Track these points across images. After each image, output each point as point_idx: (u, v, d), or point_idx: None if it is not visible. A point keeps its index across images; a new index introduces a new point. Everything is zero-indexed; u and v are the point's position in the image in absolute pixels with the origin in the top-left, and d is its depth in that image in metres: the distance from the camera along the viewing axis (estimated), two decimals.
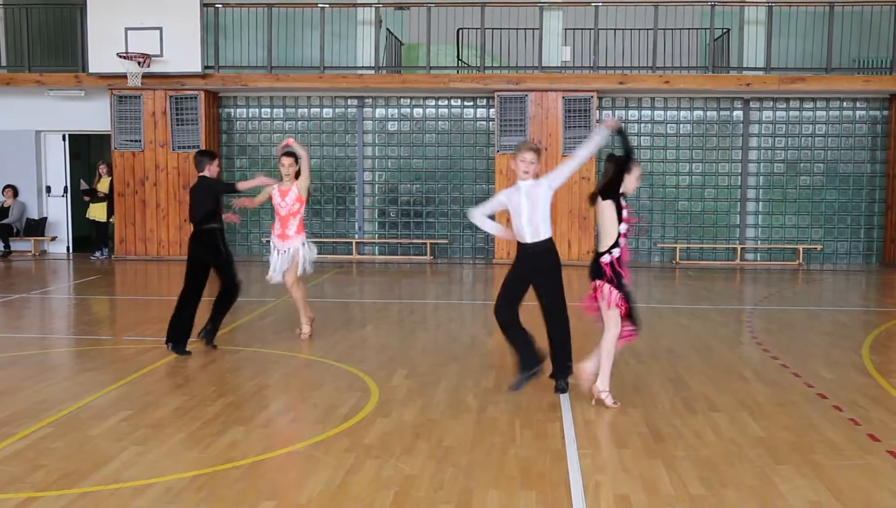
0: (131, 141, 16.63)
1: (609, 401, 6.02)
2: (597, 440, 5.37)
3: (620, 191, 5.92)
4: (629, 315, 6.00)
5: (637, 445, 5.25)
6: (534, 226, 6.14)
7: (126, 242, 16.78)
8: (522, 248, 6.22)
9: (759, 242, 16.97)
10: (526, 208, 6.13)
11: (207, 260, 7.95)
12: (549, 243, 6.24)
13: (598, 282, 5.96)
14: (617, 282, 5.89)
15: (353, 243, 17.23)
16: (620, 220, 5.87)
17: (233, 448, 5.15)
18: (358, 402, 6.21)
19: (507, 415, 5.85)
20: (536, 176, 6.25)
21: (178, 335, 7.90)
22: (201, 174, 7.89)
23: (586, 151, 6.14)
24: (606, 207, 5.90)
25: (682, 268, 16.06)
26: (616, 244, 5.89)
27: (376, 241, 17.47)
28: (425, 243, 16.97)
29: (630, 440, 5.35)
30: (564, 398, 6.30)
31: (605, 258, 5.93)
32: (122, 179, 16.68)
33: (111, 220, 16.94)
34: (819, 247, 16.69)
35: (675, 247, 16.72)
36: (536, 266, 6.21)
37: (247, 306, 10.52)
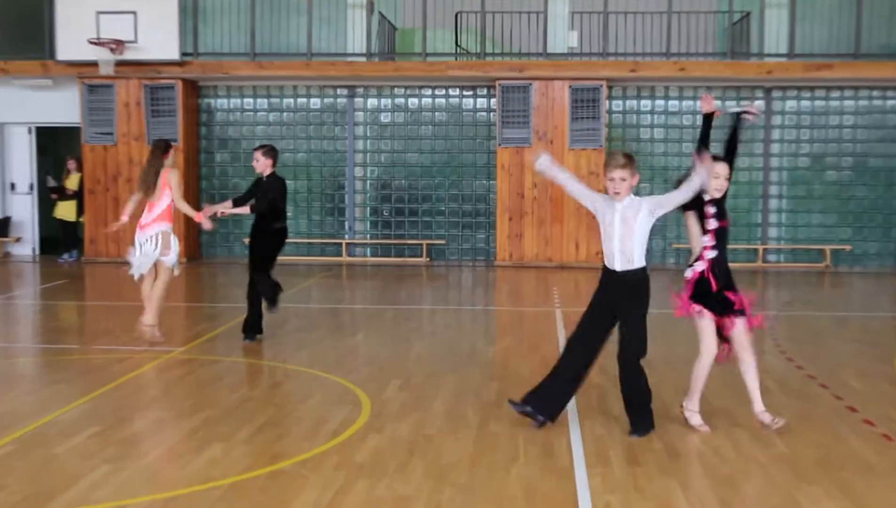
0: (103, 134, 16.60)
1: (695, 421, 5.90)
2: (607, 457, 5.34)
3: (705, 198, 5.77)
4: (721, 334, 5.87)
5: (651, 463, 5.23)
6: (626, 254, 5.70)
7: (97, 243, 16.76)
8: (608, 275, 5.83)
9: (782, 242, 16.96)
10: (619, 230, 5.68)
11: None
12: (641, 272, 5.80)
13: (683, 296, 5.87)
14: (702, 297, 5.76)
15: (343, 244, 17.21)
16: (705, 230, 5.75)
17: (212, 466, 5.13)
18: (348, 416, 6.19)
19: (510, 431, 5.83)
20: (632, 187, 5.79)
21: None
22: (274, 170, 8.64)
23: (698, 180, 5.73)
24: (689, 217, 5.84)
25: None
26: (700, 258, 5.77)
27: (368, 242, 17.45)
28: (421, 244, 16.96)
29: (643, 457, 5.33)
30: (572, 413, 6.27)
31: (688, 274, 5.86)
32: (93, 175, 16.66)
33: (81, 219, 16.92)
34: (847, 247, 16.68)
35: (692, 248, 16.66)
36: (622, 295, 5.79)
37: (227, 312, 10.51)
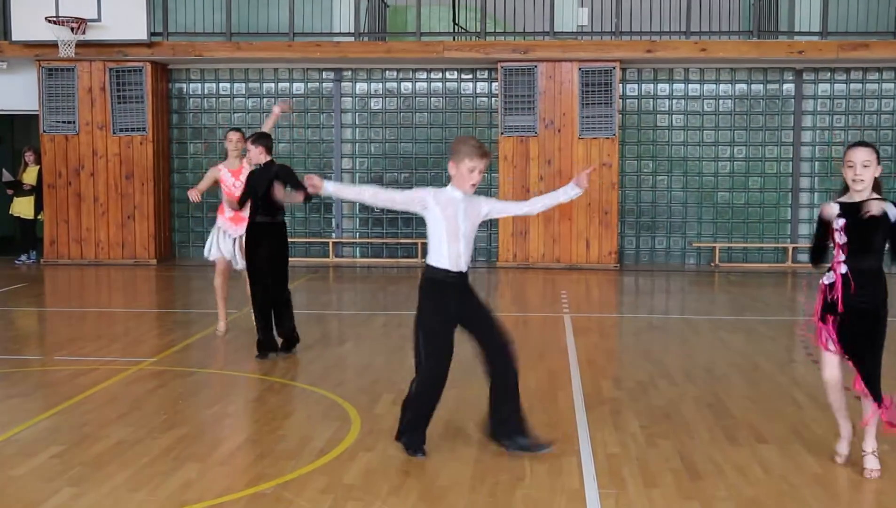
0: (63, 123, 16.60)
1: (868, 464, 5.43)
2: (621, 477, 5.36)
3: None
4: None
5: (669, 483, 5.25)
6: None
7: (57, 243, 16.76)
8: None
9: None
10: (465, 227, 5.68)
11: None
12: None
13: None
14: (826, 316, 5.47)
15: (330, 244, 17.23)
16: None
17: (186, 488, 5.14)
18: (336, 433, 6.20)
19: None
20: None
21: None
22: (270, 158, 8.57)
23: (549, 200, 5.94)
24: None
25: (723, 272, 16.08)
26: (831, 268, 5.48)
27: (357, 241, 17.46)
28: (415, 244, 16.97)
29: (661, 477, 5.35)
30: (583, 429, 6.30)
31: (825, 279, 5.53)
32: (53, 168, 16.66)
33: (39, 217, 16.91)
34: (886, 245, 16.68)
35: (714, 247, 16.74)
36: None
37: (202, 319, 10.52)
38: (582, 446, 5.92)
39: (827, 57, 15.82)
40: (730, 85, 16.85)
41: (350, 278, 15.49)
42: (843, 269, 5.35)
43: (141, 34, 15.93)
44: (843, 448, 5.60)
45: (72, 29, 15.57)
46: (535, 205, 5.97)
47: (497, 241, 16.39)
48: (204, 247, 9.82)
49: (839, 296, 5.35)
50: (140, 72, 16.46)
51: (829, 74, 16.72)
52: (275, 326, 8.69)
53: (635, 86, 16.88)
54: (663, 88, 16.90)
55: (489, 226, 16.75)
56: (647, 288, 14.62)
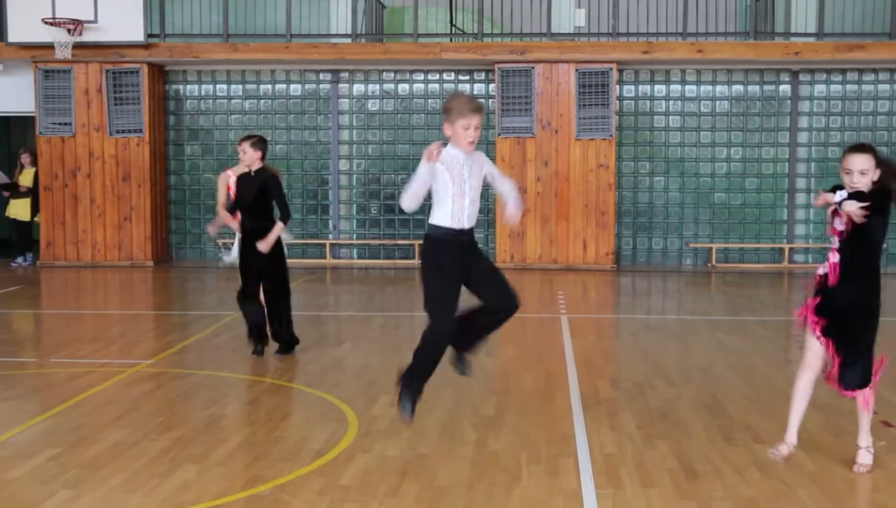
0: (60, 124, 16.60)
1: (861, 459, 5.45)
2: (618, 477, 5.37)
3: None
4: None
5: (667, 483, 5.25)
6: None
7: (54, 245, 16.75)
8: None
9: (810, 240, 17.01)
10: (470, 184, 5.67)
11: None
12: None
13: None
14: (813, 303, 5.43)
15: (327, 245, 17.22)
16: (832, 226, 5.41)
17: (184, 490, 5.14)
18: (333, 435, 6.20)
19: (512, 448, 5.85)
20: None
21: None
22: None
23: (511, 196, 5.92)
24: None
25: (719, 272, 16.09)
26: (825, 258, 5.46)
27: (354, 242, 17.46)
28: (413, 245, 16.97)
29: (658, 477, 5.35)
30: (580, 429, 6.30)
31: (818, 271, 5.51)
32: (49, 169, 16.65)
33: (36, 219, 16.90)
34: (883, 246, 16.70)
35: (711, 247, 16.75)
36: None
37: (199, 321, 10.51)
38: (579, 446, 5.92)
39: (823, 58, 15.84)
40: (726, 86, 16.86)
41: (347, 280, 15.48)
42: (836, 258, 5.33)
43: (138, 36, 15.92)
44: (783, 448, 5.45)
45: (68, 30, 15.56)
46: (510, 194, 5.94)
47: (494, 242, 16.40)
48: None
49: (828, 281, 5.36)
50: (137, 73, 16.46)
51: (825, 75, 16.74)
52: (275, 331, 8.70)
53: (632, 87, 16.90)
54: (660, 89, 16.91)
55: (486, 226, 16.77)
56: (644, 289, 14.63)
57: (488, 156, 17.10)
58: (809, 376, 5.47)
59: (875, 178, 5.25)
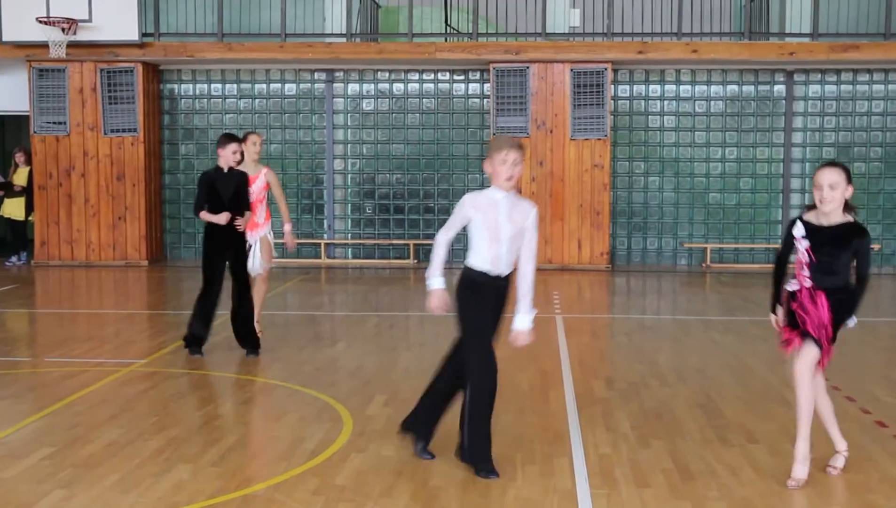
0: (54, 123, 16.56)
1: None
2: (613, 477, 5.37)
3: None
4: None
5: (661, 483, 5.26)
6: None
7: (48, 244, 16.72)
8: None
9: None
10: (508, 229, 5.42)
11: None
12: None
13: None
14: (793, 321, 5.33)
15: (322, 245, 17.21)
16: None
17: (178, 490, 5.14)
18: (328, 435, 6.20)
19: (506, 449, 5.84)
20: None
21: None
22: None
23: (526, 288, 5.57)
24: None
25: (714, 272, 16.11)
26: (794, 276, 5.35)
27: (349, 242, 17.45)
28: (408, 245, 16.97)
29: (653, 477, 5.36)
30: (575, 429, 6.30)
31: (787, 287, 5.41)
32: (44, 169, 16.62)
33: (30, 218, 16.87)
34: (877, 247, 16.76)
35: (706, 248, 16.77)
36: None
37: None
38: (574, 446, 5.93)
39: (817, 58, 15.86)
40: (721, 86, 16.88)
41: (342, 280, 15.47)
42: (808, 283, 5.27)
43: (132, 35, 15.89)
44: (800, 471, 5.25)
45: (62, 29, 15.53)
46: (524, 281, 5.57)
47: None
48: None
49: (802, 304, 5.25)
50: (131, 72, 16.43)
51: (819, 75, 16.77)
52: (239, 328, 8.78)
53: (627, 87, 16.90)
54: (655, 89, 16.92)
55: None
56: (639, 289, 14.65)
57: (483, 157, 17.14)
58: (809, 380, 5.35)
59: (848, 195, 5.22)
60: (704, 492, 5.13)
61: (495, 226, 5.40)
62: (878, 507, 4.92)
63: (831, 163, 5.33)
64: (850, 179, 5.23)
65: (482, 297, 5.51)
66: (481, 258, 5.48)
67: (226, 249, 8.63)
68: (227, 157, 8.59)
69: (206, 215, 8.56)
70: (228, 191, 8.58)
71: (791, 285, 5.37)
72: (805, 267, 5.28)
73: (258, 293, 9.30)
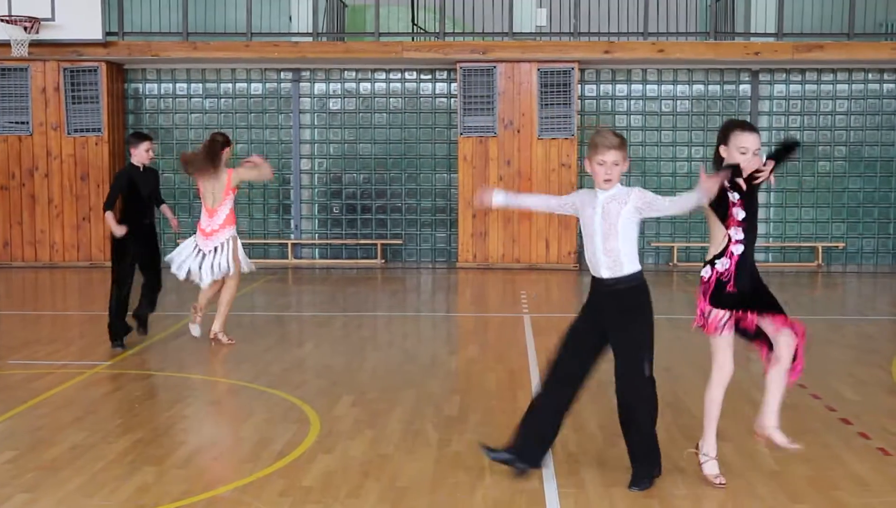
0: (16, 123, 16.41)
1: (709, 471, 5.30)
2: (581, 477, 5.39)
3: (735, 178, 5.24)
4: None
5: (629, 482, 5.27)
6: (613, 256, 5.27)
7: (11, 246, 16.56)
8: (595, 285, 5.44)
9: (770, 239, 17.17)
10: (601, 227, 5.25)
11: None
12: (635, 279, 5.38)
13: (699, 299, 5.43)
14: (722, 303, 5.33)
15: (289, 245, 17.15)
16: (727, 221, 5.25)
17: (143, 493, 5.10)
18: (295, 436, 6.18)
19: (474, 449, 5.83)
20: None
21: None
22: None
23: (696, 198, 5.24)
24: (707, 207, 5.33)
25: (681, 271, 16.20)
26: (723, 254, 5.25)
27: (316, 242, 17.40)
28: (375, 245, 16.95)
29: (621, 476, 5.37)
30: None
31: (705, 272, 5.36)
32: (6, 169, 16.46)
33: None
34: (841, 245, 16.94)
35: (672, 246, 16.87)
36: (612, 310, 5.39)
37: (159, 322, 10.42)
38: None
39: (782, 58, 16.00)
40: (687, 86, 16.99)
41: (309, 280, 15.43)
42: (740, 249, 5.21)
43: (96, 34, 15.77)
44: (711, 446, 5.34)
45: (25, 28, 15.38)
46: (677, 202, 5.39)
47: (457, 241, 16.41)
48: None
49: (733, 276, 5.22)
50: (95, 72, 16.30)
51: (784, 74, 16.91)
52: (138, 307, 9.32)
53: (594, 86, 16.97)
54: (621, 88, 17.00)
55: (448, 226, 16.78)
56: None
57: (451, 156, 17.11)
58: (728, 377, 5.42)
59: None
60: (671, 490, 5.16)
61: (591, 223, 5.27)
62: (844, 504, 4.96)
63: (752, 126, 5.64)
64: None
65: (588, 300, 5.49)
66: (587, 259, 5.39)
67: (134, 247, 9.17)
68: (140, 155, 9.21)
69: (109, 220, 9.05)
70: (147, 188, 9.24)
71: (721, 265, 5.33)
72: (739, 229, 5.29)
73: (226, 293, 9.26)
